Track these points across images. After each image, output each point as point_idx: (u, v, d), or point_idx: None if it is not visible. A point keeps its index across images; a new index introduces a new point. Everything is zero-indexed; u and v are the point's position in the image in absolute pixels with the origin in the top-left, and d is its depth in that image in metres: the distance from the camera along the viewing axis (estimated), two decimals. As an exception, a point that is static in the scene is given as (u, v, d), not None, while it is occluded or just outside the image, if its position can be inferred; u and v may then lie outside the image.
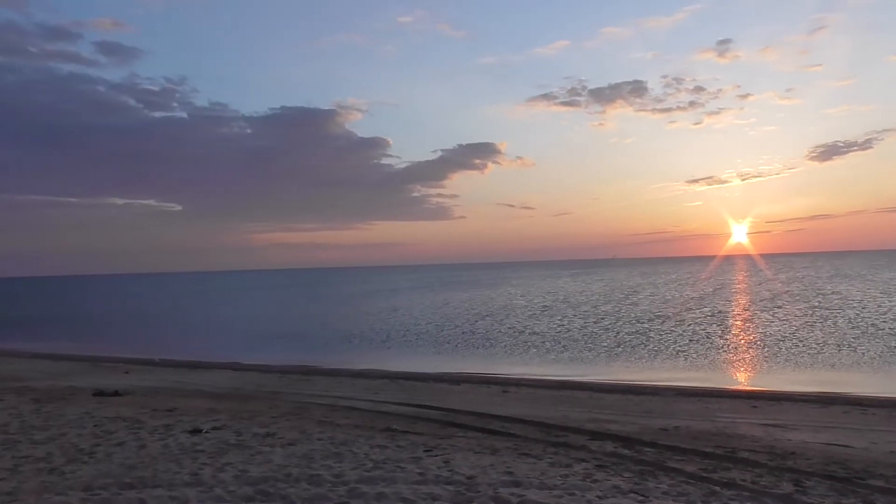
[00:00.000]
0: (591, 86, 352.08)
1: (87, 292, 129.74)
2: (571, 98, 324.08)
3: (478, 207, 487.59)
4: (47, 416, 11.83)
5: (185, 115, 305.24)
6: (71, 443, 9.51)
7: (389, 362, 25.99)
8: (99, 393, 15.38)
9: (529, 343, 30.63)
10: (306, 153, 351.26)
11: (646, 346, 28.22)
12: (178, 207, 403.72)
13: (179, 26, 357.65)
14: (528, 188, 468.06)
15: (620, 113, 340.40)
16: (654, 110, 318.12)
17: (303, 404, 14.72)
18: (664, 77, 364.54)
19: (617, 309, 46.92)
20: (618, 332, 32.94)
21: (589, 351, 27.67)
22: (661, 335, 31.29)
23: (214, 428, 10.77)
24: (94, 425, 10.90)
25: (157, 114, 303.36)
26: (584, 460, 8.99)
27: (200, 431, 10.41)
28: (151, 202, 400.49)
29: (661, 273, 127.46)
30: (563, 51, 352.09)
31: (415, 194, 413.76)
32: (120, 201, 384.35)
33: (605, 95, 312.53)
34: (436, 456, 8.99)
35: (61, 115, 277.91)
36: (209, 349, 31.65)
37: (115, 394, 15.30)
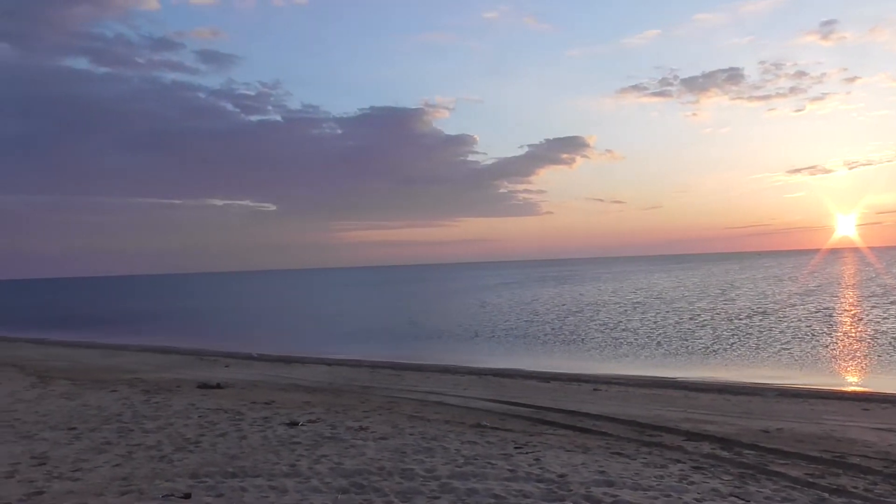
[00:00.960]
0: (684, 75, 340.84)
1: (190, 289, 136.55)
2: (663, 88, 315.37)
3: (566, 202, 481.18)
4: (156, 406, 12.53)
5: (279, 117, 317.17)
6: (178, 432, 10.03)
7: (477, 358, 26.04)
8: (203, 385, 16.14)
9: (620, 340, 29.99)
10: (394, 152, 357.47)
11: (744, 343, 27.08)
12: (273, 207, 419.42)
13: (273, 33, 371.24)
14: (618, 182, 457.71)
15: (715, 102, 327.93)
16: (751, 98, 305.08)
17: (393, 399, 14.97)
18: (762, 63, 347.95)
19: (713, 305, 45.25)
20: (714, 329, 31.77)
21: (683, 348, 26.82)
22: (761, 332, 29.94)
23: (310, 421, 11.11)
24: (199, 416, 11.46)
25: (253, 117, 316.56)
26: (679, 461, 8.72)
27: (297, 424, 10.76)
28: (248, 202, 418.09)
29: (760, 267, 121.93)
30: (653, 40, 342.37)
31: (502, 190, 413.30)
32: (219, 202, 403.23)
33: (699, 84, 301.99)
34: (526, 453, 8.94)
35: (165, 122, 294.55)
36: (302, 344, 32.65)
37: (218, 386, 16.02)
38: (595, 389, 17.33)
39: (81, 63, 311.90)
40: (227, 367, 22.39)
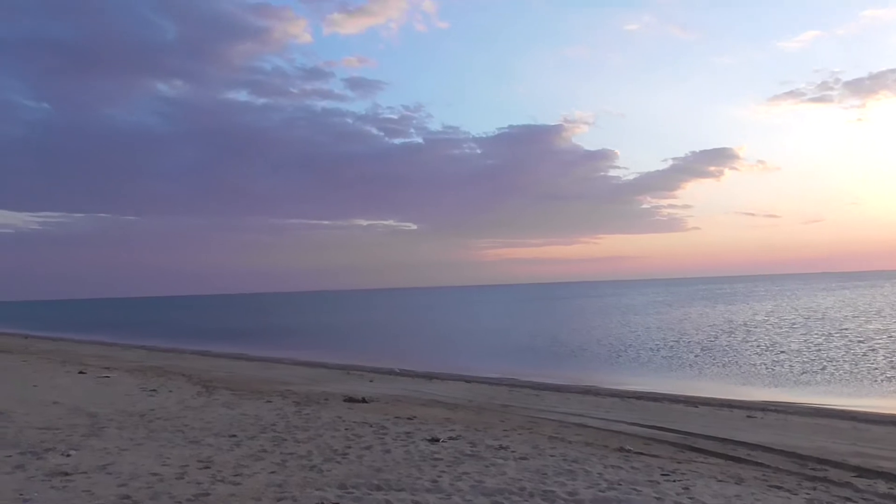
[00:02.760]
0: (847, 77, 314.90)
1: (336, 306, 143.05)
2: (822, 93, 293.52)
3: (713, 217, 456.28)
4: (307, 417, 13.16)
5: (420, 139, 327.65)
6: (326, 443, 10.47)
7: (620, 380, 25.24)
8: (349, 399, 16.77)
9: (778, 363, 27.96)
10: (532, 169, 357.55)
11: (924, 371, 24.35)
12: (414, 226, 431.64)
13: (416, 57, 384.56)
14: (772, 195, 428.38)
15: (885, 105, 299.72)
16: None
17: (533, 419, 14.81)
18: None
19: (887, 327, 41.11)
20: (888, 354, 28.83)
21: (851, 374, 24.54)
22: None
23: (451, 438, 11.21)
24: (346, 428, 11.90)
25: (397, 140, 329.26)
26: (850, 500, 7.95)
27: (438, 440, 10.89)
28: (391, 222, 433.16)
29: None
30: (811, 42, 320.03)
31: (644, 206, 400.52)
32: (364, 222, 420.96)
33: (865, 87, 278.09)
34: (674, 481, 8.51)
35: (315, 147, 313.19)
36: (443, 360, 33.13)
37: (363, 400, 16.58)
38: (749, 416, 16.24)
39: (242, 95, 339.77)
40: (371, 381, 23.14)
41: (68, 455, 8.99)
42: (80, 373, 21.43)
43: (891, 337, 35.44)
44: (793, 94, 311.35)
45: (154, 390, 17.08)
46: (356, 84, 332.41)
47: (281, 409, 14.18)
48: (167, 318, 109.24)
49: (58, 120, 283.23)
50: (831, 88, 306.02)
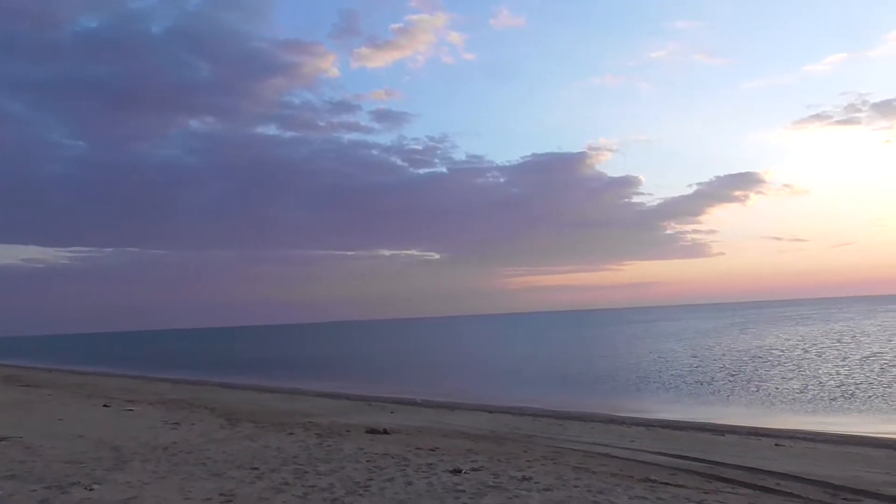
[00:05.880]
0: (874, 99, 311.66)
1: (359, 336, 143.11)
2: (849, 115, 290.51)
3: (739, 242, 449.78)
4: (329, 449, 13.12)
5: (444, 169, 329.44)
6: (349, 476, 10.41)
7: (646, 408, 24.90)
8: (370, 430, 16.70)
9: (807, 390, 27.40)
10: (557, 197, 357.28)
11: (959, 396, 23.72)
12: (437, 256, 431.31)
13: (442, 88, 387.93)
14: (799, 219, 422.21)
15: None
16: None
17: (557, 449, 14.62)
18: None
19: (917, 352, 40.17)
20: (920, 380, 28.14)
21: (884, 400, 23.96)
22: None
23: (473, 469, 11.10)
24: (367, 460, 11.84)
25: (421, 171, 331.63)
26: (884, 531, 7.72)
27: (460, 472, 10.79)
28: (414, 252, 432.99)
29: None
30: (838, 65, 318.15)
31: (668, 231, 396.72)
32: (387, 252, 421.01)
33: (893, 108, 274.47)
34: (701, 513, 8.33)
35: (342, 178, 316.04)
36: (465, 390, 32.91)
37: (385, 432, 16.50)
38: (777, 445, 15.89)
39: (271, 129, 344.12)
40: (392, 412, 23.03)
41: (91, 489, 9.04)
42: (105, 406, 21.60)
43: (924, 362, 34.61)
44: (819, 116, 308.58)
45: (177, 423, 17.14)
46: (382, 116, 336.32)
47: (303, 441, 14.16)
48: (193, 350, 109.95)
49: (92, 157, 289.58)
50: (859, 110, 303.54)
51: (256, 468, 10.88)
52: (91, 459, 11.35)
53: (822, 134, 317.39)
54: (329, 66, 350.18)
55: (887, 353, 40.60)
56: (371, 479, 10.08)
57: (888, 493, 10.04)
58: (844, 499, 9.63)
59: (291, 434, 15.38)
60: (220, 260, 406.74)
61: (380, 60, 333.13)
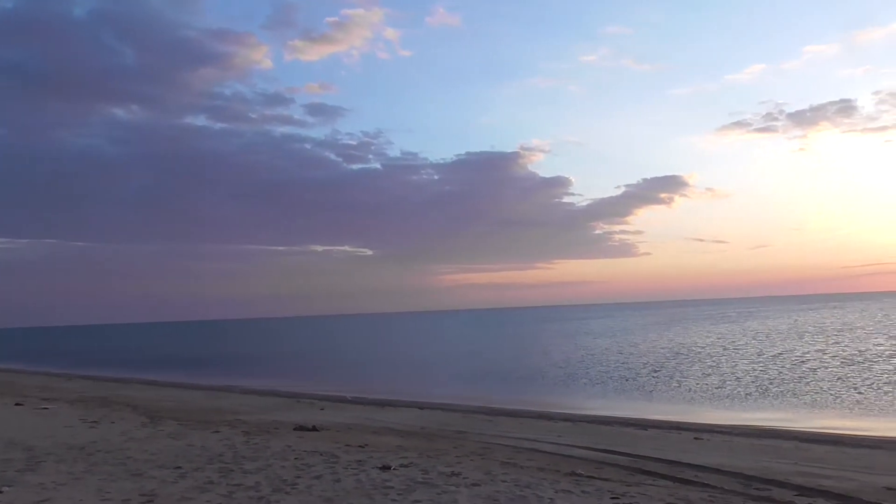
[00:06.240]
0: (790, 109, 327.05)
1: (290, 333, 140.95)
2: (768, 123, 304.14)
3: (664, 243, 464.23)
4: (256, 447, 12.89)
5: (378, 165, 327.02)
6: (276, 474, 10.26)
7: (573, 404, 25.45)
8: (299, 427, 16.50)
9: (725, 385, 28.58)
10: (489, 196, 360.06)
11: (859, 392, 25.21)
12: (369, 252, 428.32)
13: (377, 84, 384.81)
14: (721, 221, 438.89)
15: (825, 136, 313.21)
16: (864, 130, 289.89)
17: (487, 444, 14.79)
18: (877, 93, 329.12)
19: (827, 348, 42.46)
20: (829, 375, 29.76)
21: (794, 395, 25.24)
22: (878, 380, 27.81)
23: (403, 465, 11.12)
24: (296, 458, 11.69)
25: (355, 166, 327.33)
26: (792, 518, 8.14)
27: (390, 468, 10.79)
28: (346, 248, 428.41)
29: (880, 308, 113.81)
30: (758, 75, 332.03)
31: (597, 231, 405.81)
32: (320, 248, 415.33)
33: (807, 118, 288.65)
34: (624, 504, 8.59)
35: (273, 172, 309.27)
36: (396, 387, 32.88)
37: (313, 429, 16.33)
38: (697, 438, 16.53)
39: (200, 120, 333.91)
40: (322, 409, 22.82)
41: (1, 492, 8.61)
42: (18, 405, 20.59)
43: (833, 358, 36.60)
44: (740, 124, 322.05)
45: (96, 422, 16.51)
46: (316, 110, 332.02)
47: (229, 439, 13.86)
48: (116, 346, 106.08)
49: (8, 144, 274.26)
50: (776, 119, 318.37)
51: (179, 467, 10.60)
52: (1, 461, 10.81)
53: (743, 140, 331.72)
54: (262, 57, 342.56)
55: (798, 350, 42.76)
56: (299, 477, 9.97)
57: (795, 482, 10.59)
58: (756, 488, 10.10)
59: (217, 432, 15.03)
60: (146, 254, 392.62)
61: (314, 54, 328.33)
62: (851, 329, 62.31)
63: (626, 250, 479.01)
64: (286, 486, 9.33)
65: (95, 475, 9.85)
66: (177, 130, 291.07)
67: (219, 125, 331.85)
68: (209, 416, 19.33)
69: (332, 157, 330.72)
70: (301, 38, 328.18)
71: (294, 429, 16.33)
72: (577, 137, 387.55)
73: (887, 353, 38.14)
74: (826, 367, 32.67)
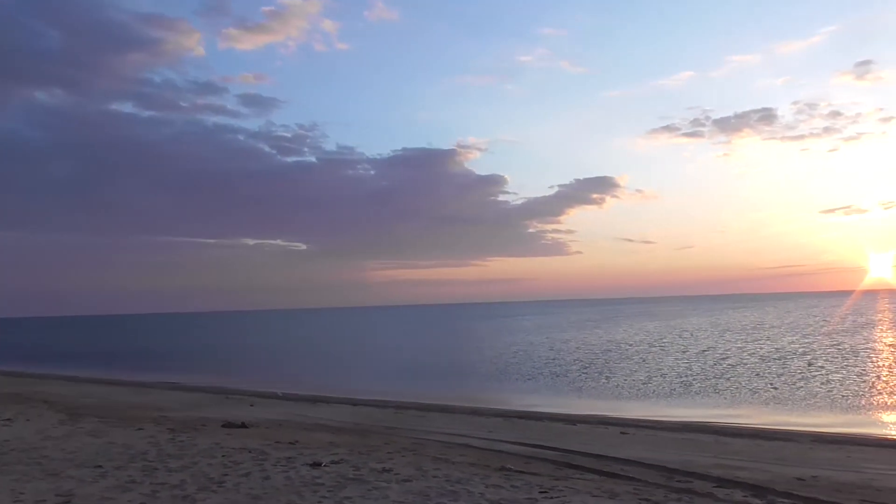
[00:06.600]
0: (716, 116, 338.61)
1: (220, 328, 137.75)
2: (695, 129, 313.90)
3: (595, 242, 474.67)
4: (181, 445, 12.55)
5: (314, 159, 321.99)
6: (202, 472, 10.02)
7: (504, 399, 25.76)
8: (228, 424, 16.15)
9: (651, 380, 29.47)
10: (426, 192, 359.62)
11: (775, 387, 26.44)
12: (303, 246, 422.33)
13: (314, 76, 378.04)
14: (649, 222, 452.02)
15: (747, 142, 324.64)
16: (784, 138, 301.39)
17: (418, 440, 14.82)
18: (795, 103, 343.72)
19: (745, 346, 44.33)
20: (747, 371, 31.07)
21: (715, 391, 26.25)
22: (794, 375, 29.23)
23: (334, 462, 11.03)
24: (223, 455, 11.44)
25: (289, 159, 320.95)
26: (710, 509, 8.47)
27: (320, 465, 10.68)
28: (279, 242, 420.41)
29: (794, 308, 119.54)
30: (687, 81, 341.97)
31: (531, 230, 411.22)
32: (251, 241, 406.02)
33: (731, 125, 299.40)
34: (552, 498, 8.76)
35: (204, 163, 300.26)
36: (329, 383, 32.60)
37: (242, 426, 16.02)
38: (623, 433, 16.99)
39: (128, 107, 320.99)
40: (252, 406, 22.41)
41: None
42: (-77, 402, 19.46)
43: (751, 355, 38.24)
44: (669, 128, 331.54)
45: (10, 419, 15.74)
46: (251, 101, 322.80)
47: (154, 437, 13.45)
48: (34, 340, 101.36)
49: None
50: (702, 125, 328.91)
51: (100, 466, 10.22)
52: None
53: (671, 144, 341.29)
54: (194, 44, 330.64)
55: (719, 347, 44.50)
56: (226, 475, 9.76)
57: (715, 474, 11.02)
58: (678, 481, 10.46)
59: (141, 429, 14.56)
60: (68, 244, 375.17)
61: (249, 43, 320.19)
62: (768, 328, 65.24)
63: (558, 249, 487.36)
64: (213, 485, 9.12)
65: (8, 475, 9.41)
66: (103, 117, 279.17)
67: (147, 113, 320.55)
68: (132, 412, 18.71)
69: (266, 149, 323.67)
70: (236, 27, 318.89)
71: (222, 425, 15.98)
72: (513, 136, 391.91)
73: (800, 350, 40.10)
74: (745, 364, 34.10)
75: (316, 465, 10.68)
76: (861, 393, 24.29)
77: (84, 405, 20.47)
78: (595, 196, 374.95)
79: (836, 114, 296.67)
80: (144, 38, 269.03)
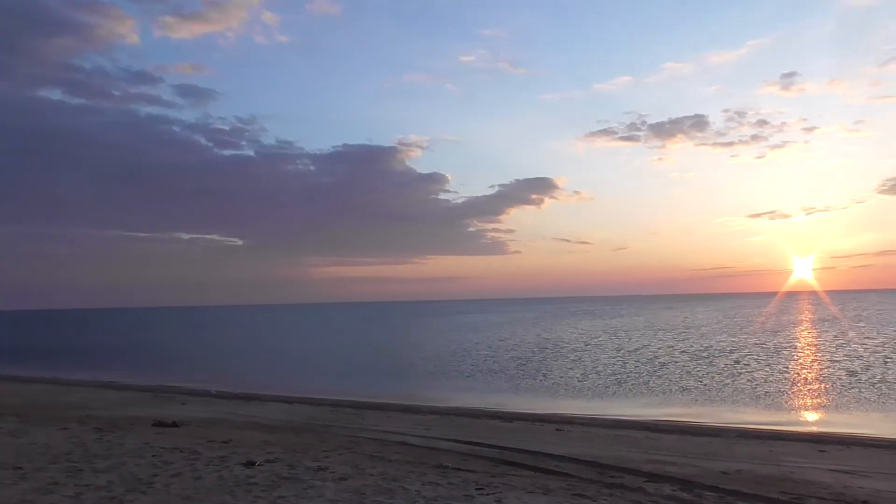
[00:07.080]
0: (651, 120, 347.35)
1: (151, 323, 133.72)
2: (631, 133, 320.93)
3: (533, 242, 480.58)
4: (108, 445, 12.13)
5: (252, 153, 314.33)
6: (131, 472, 9.71)
7: (441, 397, 25.84)
8: (158, 423, 15.71)
9: (585, 378, 30.06)
10: (367, 189, 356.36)
11: (703, 384, 27.36)
12: (240, 242, 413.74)
13: (252, 69, 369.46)
14: (586, 223, 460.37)
15: (681, 147, 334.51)
16: (715, 144, 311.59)
17: (354, 438, 14.74)
18: (726, 111, 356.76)
19: (675, 345, 45.72)
20: (677, 369, 32.05)
21: (646, 388, 26.97)
22: (719, 373, 30.30)
23: (268, 461, 10.85)
24: (153, 455, 11.11)
25: (227, 152, 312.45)
26: (640, 503, 8.70)
27: (254, 464, 10.50)
28: (215, 237, 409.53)
29: (722, 308, 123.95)
30: (624, 86, 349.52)
31: (471, 229, 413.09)
32: (186, 236, 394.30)
33: (666, 130, 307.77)
34: (488, 495, 8.84)
35: (137, 155, 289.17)
36: (263, 381, 32.07)
37: (174, 424, 15.61)
38: (558, 430, 17.28)
39: (56, 94, 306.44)
40: (183, 404, 21.85)
41: None
42: None
43: (682, 353, 39.45)
44: (606, 131, 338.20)
45: (-79, 419, 14.92)
46: (187, 91, 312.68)
47: (78, 437, 12.95)
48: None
49: None
50: (638, 129, 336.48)
51: (20, 468, 9.78)
52: None
53: (608, 147, 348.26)
54: (128, 31, 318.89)
55: (652, 346, 45.76)
56: (156, 475, 9.49)
57: (645, 469, 11.34)
58: (610, 476, 10.71)
59: (65, 429, 14.00)
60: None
61: (186, 32, 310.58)
62: (699, 327, 67.45)
63: (497, 248, 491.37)
64: (142, 486, 8.85)
65: (-82, 478, 8.90)
66: (29, 103, 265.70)
67: (77, 101, 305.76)
68: (56, 411, 17.99)
69: (203, 141, 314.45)
70: (172, 14, 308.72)
71: (152, 424, 15.54)
72: (454, 135, 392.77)
73: (728, 348, 41.62)
74: (676, 362, 35.16)
75: (250, 464, 10.49)
76: (783, 390, 25.39)
77: (3, 404, 19.57)
78: (534, 196, 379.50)
79: (763, 122, 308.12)
80: (73, 22, 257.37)
